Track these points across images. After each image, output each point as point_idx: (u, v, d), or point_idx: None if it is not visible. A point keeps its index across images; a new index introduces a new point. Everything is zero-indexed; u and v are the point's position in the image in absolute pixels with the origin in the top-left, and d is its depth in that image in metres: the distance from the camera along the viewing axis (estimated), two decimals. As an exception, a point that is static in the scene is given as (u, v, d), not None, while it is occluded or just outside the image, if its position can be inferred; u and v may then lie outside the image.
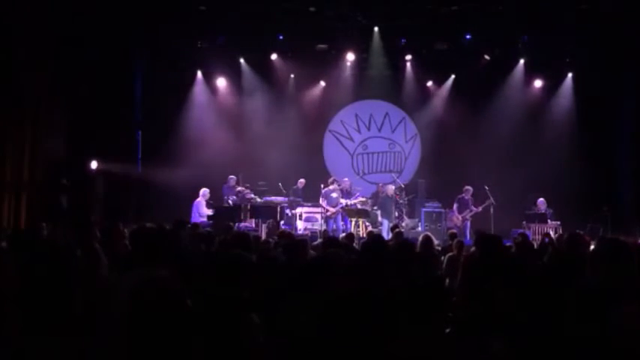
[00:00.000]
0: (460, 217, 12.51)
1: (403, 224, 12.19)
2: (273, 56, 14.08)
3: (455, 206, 12.68)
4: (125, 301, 1.94)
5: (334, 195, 12.41)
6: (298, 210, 12.99)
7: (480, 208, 12.48)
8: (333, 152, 15.54)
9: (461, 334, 2.90)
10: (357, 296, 2.51)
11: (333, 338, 2.42)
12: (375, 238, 5.28)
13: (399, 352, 2.33)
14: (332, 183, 12.66)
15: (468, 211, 12.53)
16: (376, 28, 13.55)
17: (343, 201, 12.41)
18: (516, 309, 3.05)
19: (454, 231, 8.90)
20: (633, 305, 1.57)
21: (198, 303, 2.36)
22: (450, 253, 6.46)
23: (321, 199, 12.49)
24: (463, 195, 12.64)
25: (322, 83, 14.85)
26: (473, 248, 6.18)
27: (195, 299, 2.10)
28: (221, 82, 14.47)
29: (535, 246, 6.88)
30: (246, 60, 14.29)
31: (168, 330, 1.83)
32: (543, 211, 12.08)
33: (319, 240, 8.40)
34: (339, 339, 2.40)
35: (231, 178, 12.54)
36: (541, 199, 12.22)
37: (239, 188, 12.41)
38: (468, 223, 12.55)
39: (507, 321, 3.00)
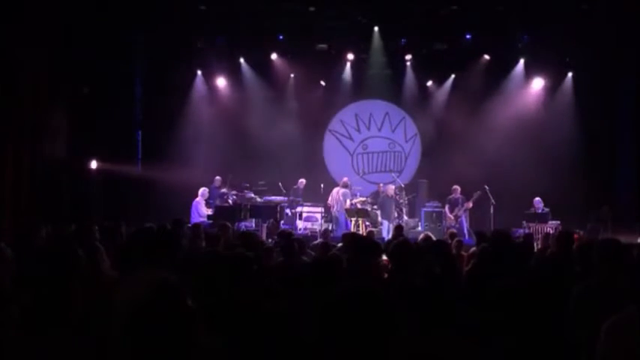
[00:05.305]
0: (452, 217, 12.72)
1: (403, 224, 12.21)
2: (273, 56, 14.08)
3: (446, 207, 12.92)
4: (131, 303, 1.94)
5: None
6: (298, 210, 13.01)
7: (471, 203, 12.66)
8: (333, 152, 15.54)
9: (462, 334, 2.90)
10: (358, 296, 2.52)
11: (334, 338, 2.42)
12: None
13: (400, 352, 2.33)
14: (346, 186, 12.80)
15: (460, 207, 12.66)
16: (376, 28, 13.54)
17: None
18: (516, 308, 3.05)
19: (454, 230, 8.93)
20: (632, 307, 1.57)
21: (199, 303, 2.36)
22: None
23: (348, 200, 12.62)
24: (452, 195, 12.89)
25: (322, 83, 14.85)
26: (473, 248, 6.19)
27: (195, 299, 2.10)
28: (221, 82, 14.44)
29: (535, 246, 6.86)
30: (246, 60, 14.28)
31: (173, 332, 1.84)
32: (542, 211, 12.10)
33: (319, 239, 8.40)
34: (340, 339, 2.41)
35: (217, 179, 12.50)
36: (537, 198, 12.23)
37: (223, 190, 12.27)
38: (464, 221, 12.71)
39: (508, 320, 3.00)
